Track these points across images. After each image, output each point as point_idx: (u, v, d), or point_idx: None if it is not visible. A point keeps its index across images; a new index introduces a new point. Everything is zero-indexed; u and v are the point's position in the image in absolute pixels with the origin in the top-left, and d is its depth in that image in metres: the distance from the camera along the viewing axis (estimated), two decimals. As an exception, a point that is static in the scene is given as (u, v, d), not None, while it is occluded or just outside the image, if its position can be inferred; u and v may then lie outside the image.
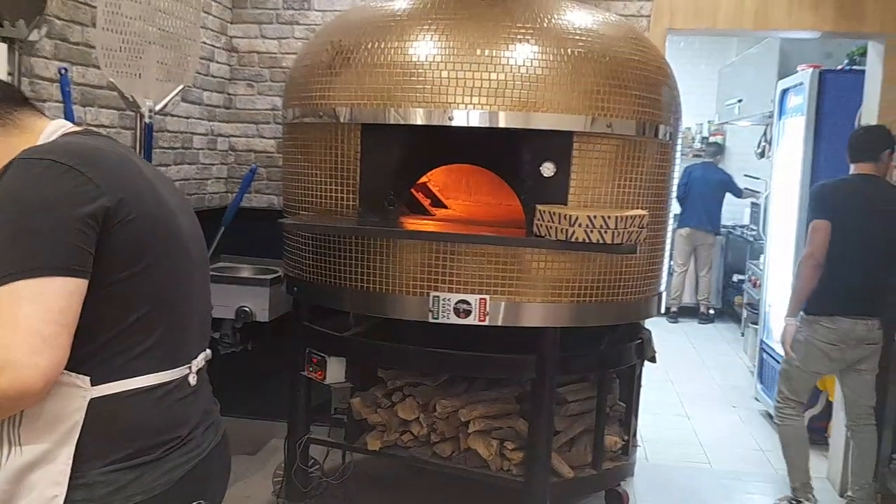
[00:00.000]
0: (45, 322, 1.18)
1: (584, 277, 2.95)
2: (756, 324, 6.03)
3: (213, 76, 4.22)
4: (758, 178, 7.36)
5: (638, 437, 3.65)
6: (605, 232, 2.66)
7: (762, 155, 7.23)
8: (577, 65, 2.87)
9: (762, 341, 5.51)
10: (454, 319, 2.90)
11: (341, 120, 3.01)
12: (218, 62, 4.27)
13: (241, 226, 4.04)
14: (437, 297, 2.90)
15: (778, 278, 5.21)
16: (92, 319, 1.25)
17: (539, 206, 2.83)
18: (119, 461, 1.30)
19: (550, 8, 3.04)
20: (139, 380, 1.33)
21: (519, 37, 2.88)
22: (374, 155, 3.01)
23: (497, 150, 2.98)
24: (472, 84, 2.83)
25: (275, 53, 4.38)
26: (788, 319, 3.68)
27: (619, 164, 2.97)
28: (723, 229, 8.48)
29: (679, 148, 3.35)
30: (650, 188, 3.09)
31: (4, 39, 2.63)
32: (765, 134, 7.06)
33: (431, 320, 2.92)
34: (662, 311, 3.48)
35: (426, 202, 3.51)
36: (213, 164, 4.30)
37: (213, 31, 4.17)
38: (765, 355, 5.40)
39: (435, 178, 3.60)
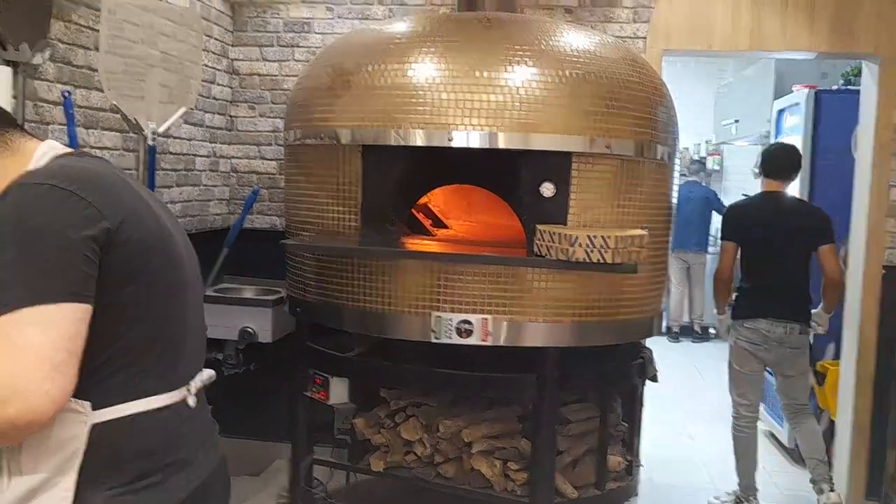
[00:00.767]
0: (54, 349, 1.17)
1: (585, 297, 2.97)
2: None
3: (214, 98, 4.26)
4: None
5: (641, 456, 3.65)
6: (606, 251, 2.68)
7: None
8: (576, 86, 2.90)
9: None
10: (456, 339, 2.90)
11: (342, 141, 3.03)
12: (220, 84, 4.31)
13: (244, 247, 4.06)
14: (440, 317, 2.91)
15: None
16: (90, 342, 1.24)
17: (539, 226, 2.85)
18: (120, 486, 1.30)
19: (548, 30, 3.08)
20: (138, 403, 1.32)
21: (517, 59, 2.91)
22: (375, 176, 3.03)
23: (497, 171, 2.99)
24: (471, 105, 2.85)
25: (276, 75, 4.42)
26: (719, 316, 4.25)
27: (618, 184, 2.99)
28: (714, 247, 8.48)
29: (678, 167, 3.38)
30: (649, 207, 3.11)
31: (8, 63, 2.66)
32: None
33: (434, 340, 2.93)
34: (663, 330, 3.49)
35: (427, 222, 3.53)
36: (215, 186, 4.33)
37: (214, 53, 4.21)
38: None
39: (435, 199, 3.62)
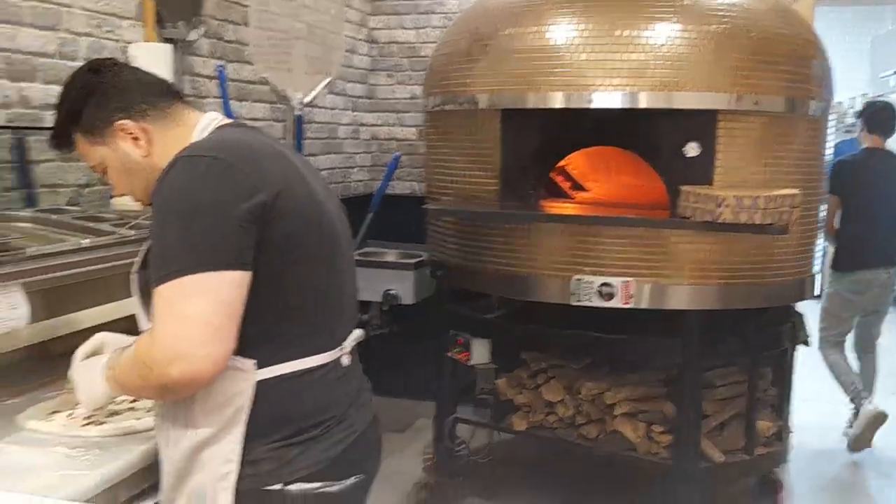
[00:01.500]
0: (215, 314, 1.25)
1: (731, 259, 2.88)
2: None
3: (355, 67, 4.36)
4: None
5: (791, 423, 3.53)
6: (755, 212, 2.58)
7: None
8: (721, 41, 2.79)
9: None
10: (597, 302, 2.89)
11: (481, 106, 3.05)
12: (360, 54, 4.40)
13: (384, 212, 4.15)
14: (580, 279, 2.90)
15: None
16: (254, 307, 1.31)
17: (683, 187, 2.78)
18: (282, 439, 1.37)
19: (692, -16, 2.97)
20: (298, 363, 1.39)
21: (659, 15, 2.83)
22: (513, 139, 3.03)
23: (639, 132, 2.94)
24: (611, 65, 2.80)
25: (413, 43, 4.47)
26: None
27: (767, 143, 2.87)
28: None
29: (832, 123, 3.21)
30: (801, 166, 2.98)
31: (168, 40, 2.81)
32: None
33: (574, 303, 2.92)
34: (817, 293, 3.35)
35: (566, 185, 3.50)
36: (356, 153, 4.44)
37: (354, 23, 4.30)
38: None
39: (574, 162, 3.59)
